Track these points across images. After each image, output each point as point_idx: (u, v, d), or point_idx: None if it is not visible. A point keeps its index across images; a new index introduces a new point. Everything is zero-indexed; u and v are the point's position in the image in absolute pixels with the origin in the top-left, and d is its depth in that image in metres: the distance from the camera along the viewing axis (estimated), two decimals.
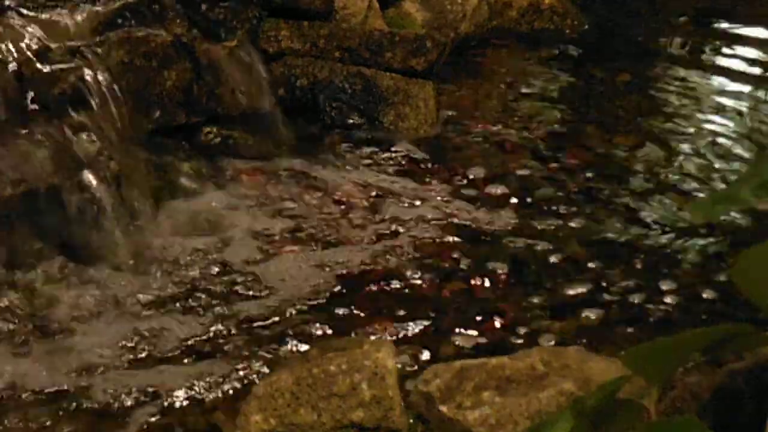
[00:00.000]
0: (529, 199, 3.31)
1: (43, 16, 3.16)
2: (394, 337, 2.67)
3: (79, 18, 3.23)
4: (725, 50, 4.42)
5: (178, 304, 2.81)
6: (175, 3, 3.43)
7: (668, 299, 2.86)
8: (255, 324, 2.75)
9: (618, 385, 1.35)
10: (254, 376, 2.55)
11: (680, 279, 2.95)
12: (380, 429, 2.05)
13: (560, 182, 3.42)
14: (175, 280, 2.89)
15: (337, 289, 2.89)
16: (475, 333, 2.73)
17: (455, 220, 3.19)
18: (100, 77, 3.12)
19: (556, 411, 1.86)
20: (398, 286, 2.91)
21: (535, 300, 2.86)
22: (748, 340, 1.39)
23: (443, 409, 2.02)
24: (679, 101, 4.01)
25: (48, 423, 2.43)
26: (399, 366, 2.18)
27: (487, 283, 2.92)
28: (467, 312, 2.81)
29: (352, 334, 2.68)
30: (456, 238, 3.11)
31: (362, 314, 2.80)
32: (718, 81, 4.15)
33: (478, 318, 2.79)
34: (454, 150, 3.58)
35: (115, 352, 2.64)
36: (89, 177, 2.99)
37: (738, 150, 3.65)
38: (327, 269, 2.96)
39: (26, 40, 3.08)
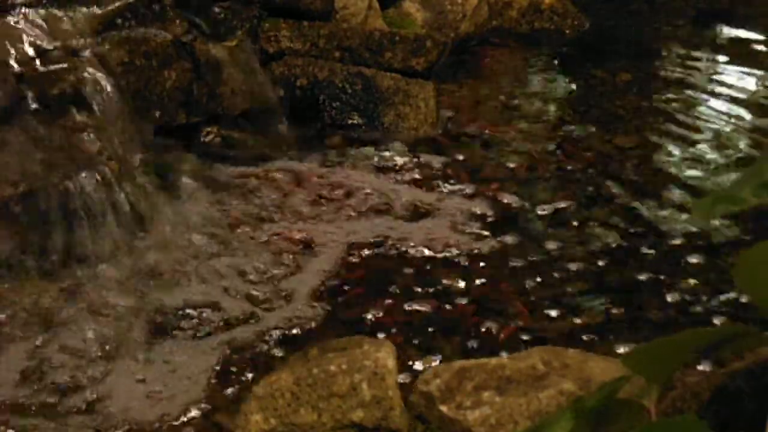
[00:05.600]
0: (528, 199, 3.31)
1: (43, 16, 3.16)
2: (393, 335, 2.67)
3: (79, 18, 3.23)
4: (725, 50, 4.42)
5: (177, 304, 2.81)
6: (175, 3, 3.43)
7: (668, 299, 2.86)
8: (255, 322, 2.75)
9: (618, 385, 1.35)
10: (255, 374, 2.55)
11: (680, 279, 2.95)
12: (380, 429, 2.04)
13: (560, 182, 3.42)
14: (175, 279, 2.89)
15: (335, 288, 2.89)
16: (474, 332, 2.73)
17: (455, 219, 3.19)
18: (100, 77, 3.12)
19: (556, 411, 1.86)
20: (397, 285, 2.91)
21: (536, 300, 2.86)
22: (748, 340, 1.39)
23: (443, 409, 2.02)
24: (679, 101, 4.01)
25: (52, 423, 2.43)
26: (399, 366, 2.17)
27: (486, 282, 2.92)
28: (467, 311, 2.81)
29: (352, 331, 2.69)
30: (455, 237, 3.11)
31: (361, 312, 2.80)
32: (718, 81, 4.15)
33: (479, 318, 2.79)
34: (454, 150, 3.58)
35: (113, 351, 2.64)
36: (89, 177, 2.98)
37: (739, 149, 3.65)
38: (326, 269, 2.96)
39: (26, 40, 3.09)
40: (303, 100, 3.63)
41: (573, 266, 3.00)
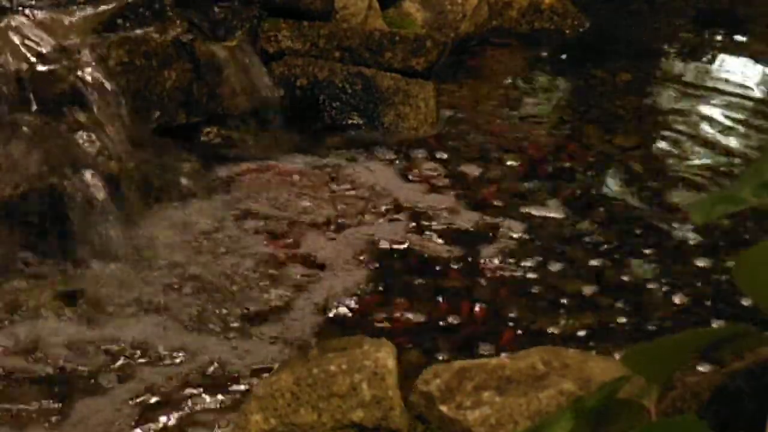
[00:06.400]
0: (528, 199, 3.31)
1: (43, 16, 3.16)
2: (393, 336, 2.67)
3: (79, 18, 3.23)
4: (725, 50, 4.42)
5: (178, 303, 2.81)
6: (175, 3, 3.43)
7: (669, 299, 2.86)
8: (254, 322, 2.75)
9: (618, 385, 1.35)
10: (255, 374, 2.55)
11: (680, 279, 2.95)
12: (380, 429, 2.04)
13: (560, 182, 3.42)
14: (175, 279, 2.89)
15: (334, 290, 2.89)
16: (474, 333, 2.73)
17: (455, 219, 3.19)
18: (100, 77, 3.12)
19: (556, 411, 1.85)
20: (396, 286, 2.91)
21: (535, 299, 2.86)
22: (748, 340, 1.39)
23: (443, 409, 2.02)
24: (679, 101, 4.01)
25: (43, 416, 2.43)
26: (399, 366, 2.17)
27: (485, 283, 2.92)
28: (466, 311, 2.81)
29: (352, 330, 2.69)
30: (455, 237, 3.11)
31: (361, 312, 2.80)
32: (718, 80, 4.15)
33: (478, 318, 2.79)
34: (454, 150, 3.58)
35: (113, 351, 2.64)
36: (89, 177, 2.99)
37: (739, 150, 3.65)
38: (326, 270, 2.96)
39: (26, 40, 3.08)
40: (303, 100, 3.62)
41: (573, 266, 3.00)
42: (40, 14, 3.16)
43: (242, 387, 2.52)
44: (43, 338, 2.68)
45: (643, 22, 4.65)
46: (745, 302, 2.77)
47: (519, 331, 2.74)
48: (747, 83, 4.12)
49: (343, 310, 2.81)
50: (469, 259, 3.02)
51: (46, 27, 3.14)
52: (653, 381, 1.35)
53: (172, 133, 3.33)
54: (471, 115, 3.82)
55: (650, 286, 2.92)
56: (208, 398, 2.50)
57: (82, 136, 3.04)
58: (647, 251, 3.08)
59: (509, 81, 4.15)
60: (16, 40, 3.07)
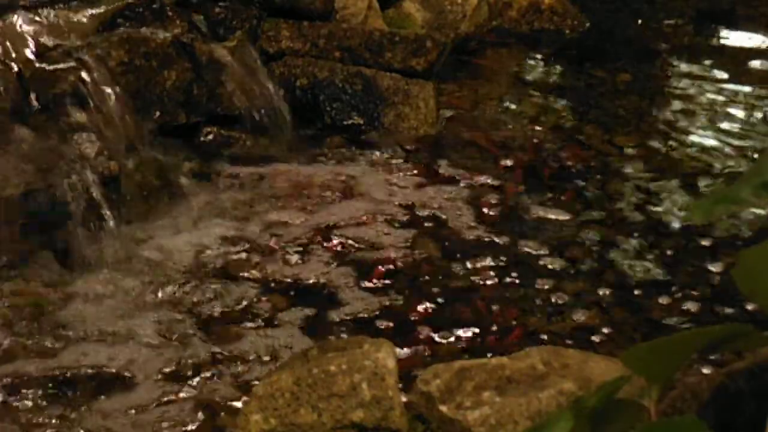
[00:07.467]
0: (528, 200, 3.31)
1: (44, 15, 3.16)
2: (393, 336, 2.67)
3: (79, 18, 3.23)
4: (725, 50, 4.42)
5: (177, 303, 2.81)
6: (175, 3, 3.43)
7: (668, 299, 2.86)
8: (253, 323, 2.75)
9: (618, 385, 1.35)
10: (255, 374, 2.55)
11: (680, 279, 2.95)
12: (380, 429, 2.04)
13: (560, 182, 3.42)
14: (174, 279, 2.89)
15: (332, 290, 2.89)
16: (474, 332, 2.73)
17: (454, 220, 3.19)
18: (100, 77, 3.12)
19: (556, 411, 1.85)
20: (395, 286, 2.91)
21: (535, 299, 2.86)
22: (748, 340, 1.39)
23: (443, 409, 2.01)
24: (679, 101, 4.01)
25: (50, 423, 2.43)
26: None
27: (485, 283, 2.92)
28: (467, 311, 2.81)
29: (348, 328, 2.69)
30: (455, 238, 3.11)
31: (359, 312, 2.80)
32: (718, 81, 4.15)
33: (478, 317, 2.79)
34: (454, 150, 3.58)
35: (113, 351, 2.64)
36: (89, 177, 2.99)
37: (738, 149, 3.65)
38: (325, 270, 2.96)
39: (26, 40, 3.09)
40: (303, 100, 3.63)
41: (573, 266, 3.00)
42: (40, 14, 3.16)
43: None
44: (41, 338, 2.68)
45: (643, 22, 4.65)
46: (745, 302, 2.77)
47: (520, 331, 2.74)
48: (746, 83, 4.11)
49: (345, 312, 2.81)
50: (469, 259, 3.01)
51: (47, 27, 3.14)
52: (653, 381, 1.35)
53: (172, 133, 3.34)
54: (471, 115, 3.82)
55: (651, 286, 2.92)
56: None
57: (82, 136, 3.04)
58: (648, 251, 3.08)
59: (509, 81, 4.15)
60: (17, 39, 3.07)
